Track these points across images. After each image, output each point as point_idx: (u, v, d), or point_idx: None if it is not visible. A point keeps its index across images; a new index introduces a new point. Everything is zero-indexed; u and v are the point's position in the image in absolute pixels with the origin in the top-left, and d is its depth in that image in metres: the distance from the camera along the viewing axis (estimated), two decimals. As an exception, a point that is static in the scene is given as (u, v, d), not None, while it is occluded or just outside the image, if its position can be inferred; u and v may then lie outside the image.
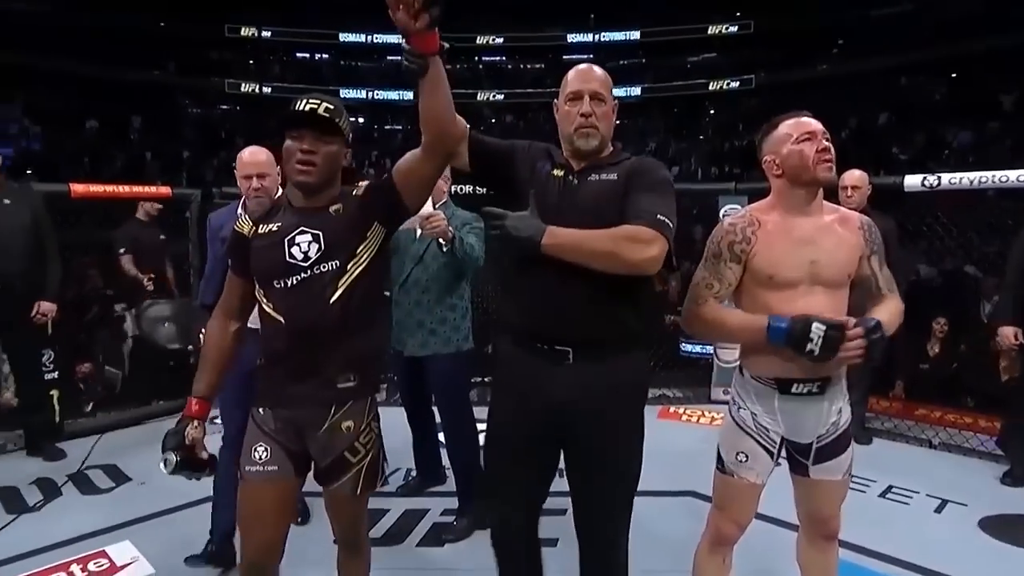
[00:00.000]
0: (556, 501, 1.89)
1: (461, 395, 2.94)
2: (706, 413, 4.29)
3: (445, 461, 3.08)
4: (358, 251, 1.61)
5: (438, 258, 2.71)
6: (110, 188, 4.28)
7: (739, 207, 4.32)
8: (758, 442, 1.75)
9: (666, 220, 1.55)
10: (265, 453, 1.64)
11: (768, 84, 20.91)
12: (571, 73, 1.77)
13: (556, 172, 1.70)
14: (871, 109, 18.03)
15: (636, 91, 21.58)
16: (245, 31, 21.23)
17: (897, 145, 15.81)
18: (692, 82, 21.93)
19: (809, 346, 1.55)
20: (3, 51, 15.46)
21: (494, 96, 22.29)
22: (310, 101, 1.57)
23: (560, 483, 1.81)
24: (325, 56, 22.78)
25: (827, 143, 1.69)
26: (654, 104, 21.68)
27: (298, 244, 1.58)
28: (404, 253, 2.80)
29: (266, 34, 21.54)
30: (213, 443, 1.90)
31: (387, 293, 2.80)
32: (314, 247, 1.58)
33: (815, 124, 1.71)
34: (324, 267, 1.58)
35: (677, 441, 3.79)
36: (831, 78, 19.70)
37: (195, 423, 1.67)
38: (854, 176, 3.58)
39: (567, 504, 1.80)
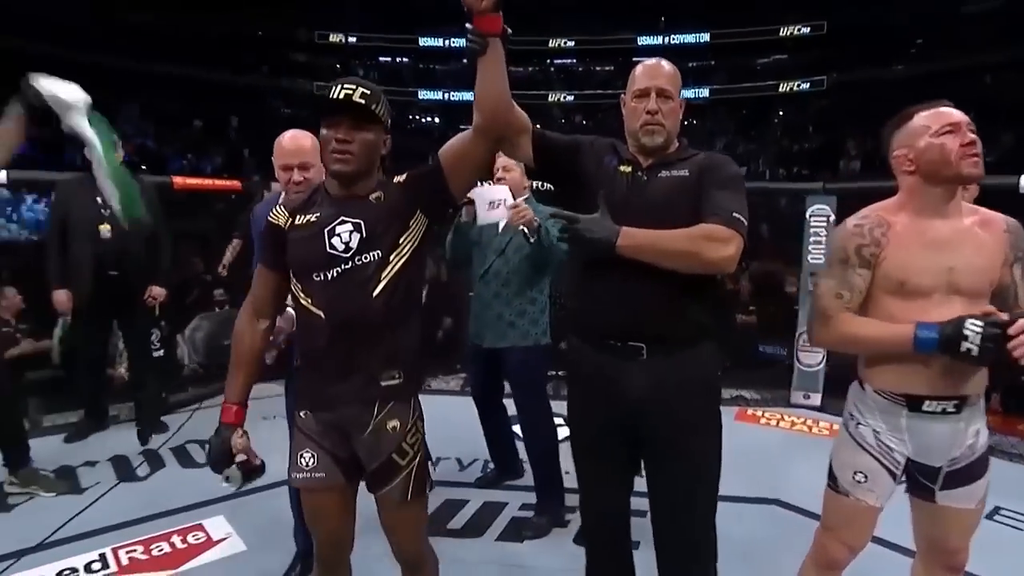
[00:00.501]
0: (636, 502, 1.77)
1: (538, 389, 2.80)
2: (785, 417, 3.99)
3: (522, 454, 2.95)
4: (400, 241, 1.48)
5: (520, 251, 2.59)
6: (199, 181, 4.40)
7: (828, 208, 4.01)
8: (879, 462, 1.53)
9: (741, 218, 1.49)
10: (311, 460, 1.53)
11: (839, 85, 19.78)
12: (639, 68, 1.66)
13: (623, 168, 1.62)
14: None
15: (704, 92, 20.87)
16: (333, 37, 21.74)
17: (983, 146, 14.54)
18: (761, 83, 21.00)
19: (965, 345, 1.32)
20: (124, 58, 16.50)
21: (564, 97, 21.97)
22: (345, 87, 1.43)
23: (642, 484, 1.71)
24: (405, 60, 23.03)
25: (973, 136, 1.45)
26: (722, 105, 20.89)
27: (339, 234, 1.46)
28: (487, 246, 2.69)
29: (352, 40, 21.98)
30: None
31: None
32: (355, 237, 1.46)
33: (958, 115, 1.47)
34: (366, 257, 1.45)
35: (758, 445, 3.54)
36: (908, 78, 18.43)
37: (239, 431, 1.55)
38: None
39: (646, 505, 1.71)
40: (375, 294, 1.45)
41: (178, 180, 4.02)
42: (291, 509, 2.25)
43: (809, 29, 21.14)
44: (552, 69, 23.32)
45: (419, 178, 1.52)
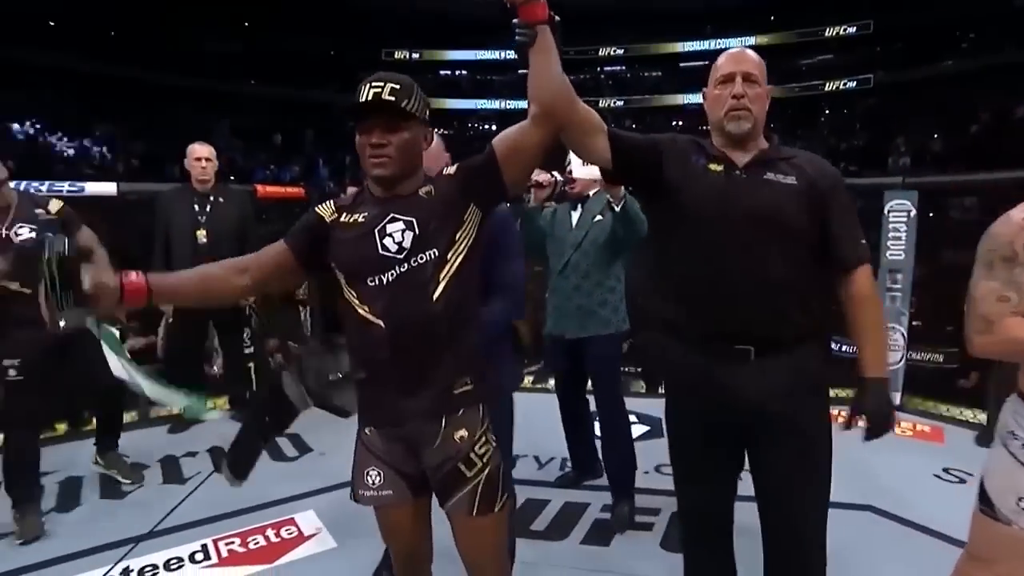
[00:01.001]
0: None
1: (617, 379, 2.65)
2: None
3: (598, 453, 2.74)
4: (457, 237, 1.29)
5: (596, 243, 2.44)
6: (274, 188, 4.37)
7: (908, 203, 3.63)
8: (1049, 487, 1.25)
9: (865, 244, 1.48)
10: (378, 478, 1.36)
11: (887, 83, 18.65)
12: (722, 57, 1.50)
13: (714, 167, 1.45)
14: (1007, 102, 15.50)
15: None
16: (398, 55, 21.93)
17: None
18: (807, 83, 20.00)
19: None
20: (212, 80, 17.17)
21: (615, 103, 21.51)
22: (373, 86, 1.26)
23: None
24: (463, 72, 23.03)
25: None
26: (771, 105, 20.01)
27: (390, 234, 1.28)
28: (563, 241, 2.53)
29: (415, 56, 22.12)
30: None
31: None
32: (408, 236, 1.27)
33: None
34: (422, 258, 1.27)
35: (842, 446, 3.19)
36: (958, 74, 17.19)
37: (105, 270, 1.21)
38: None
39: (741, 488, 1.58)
40: (435, 297, 1.27)
41: (260, 189, 3.99)
42: None
43: (855, 28, 20.03)
44: (602, 76, 22.87)
45: (471, 169, 1.33)
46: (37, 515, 2.47)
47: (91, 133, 15.05)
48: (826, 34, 20.30)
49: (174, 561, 2.29)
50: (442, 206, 1.29)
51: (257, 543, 2.41)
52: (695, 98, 20.33)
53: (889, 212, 3.64)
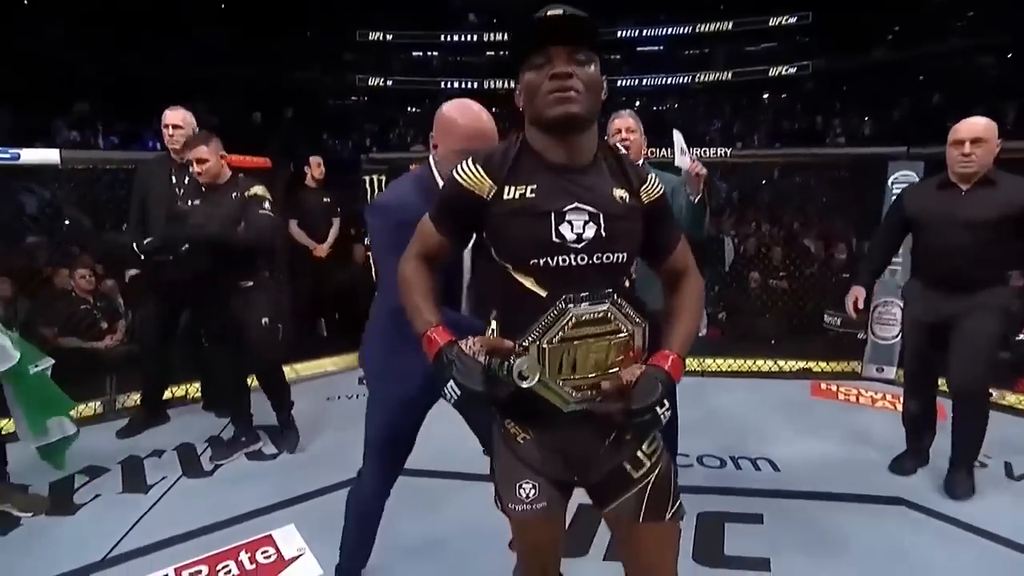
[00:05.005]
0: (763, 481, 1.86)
1: None
2: (864, 392, 3.24)
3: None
4: (636, 253, 1.05)
5: (678, 216, 1.97)
6: (243, 157, 3.69)
7: (913, 175, 3.19)
8: None
9: None
10: (532, 491, 1.08)
11: (824, 70, 18.50)
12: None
13: None
14: (925, 90, 15.49)
15: (701, 78, 19.70)
16: (372, 35, 20.64)
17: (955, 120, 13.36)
18: (753, 68, 19.62)
19: None
20: (191, 67, 15.73)
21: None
22: (551, 9, 0.92)
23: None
24: (434, 53, 21.81)
25: None
26: (719, 91, 19.61)
27: (570, 222, 0.96)
28: None
29: (388, 37, 20.86)
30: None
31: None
32: (591, 229, 0.97)
33: None
34: (608, 258, 0.98)
35: (858, 429, 2.81)
36: (884, 63, 17.16)
37: (465, 340, 0.99)
38: (977, 126, 2.07)
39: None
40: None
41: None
42: (346, 521, 1.65)
43: (795, 19, 19.69)
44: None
45: (661, 210, 1.08)
46: None
47: (67, 112, 13.57)
48: (770, 23, 19.93)
49: (126, 602, 1.72)
50: (628, 207, 1.01)
51: (228, 571, 1.86)
52: (650, 82, 20.03)
53: (893, 184, 3.19)
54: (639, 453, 1.06)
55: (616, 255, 0.98)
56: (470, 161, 1.00)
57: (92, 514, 2.17)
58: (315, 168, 4.24)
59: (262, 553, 1.94)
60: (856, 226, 4.85)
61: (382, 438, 1.53)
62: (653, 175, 1.05)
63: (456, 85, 20.70)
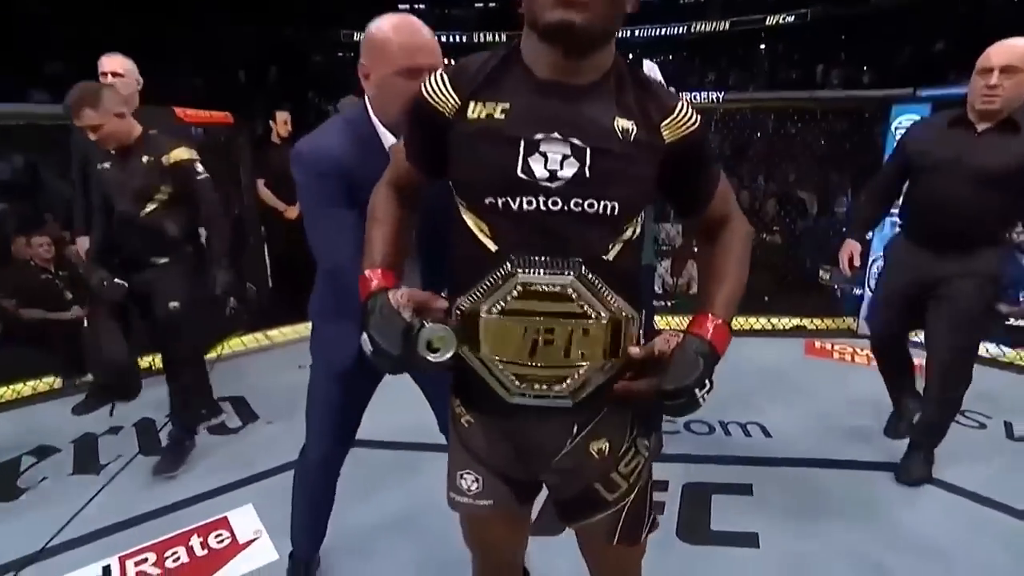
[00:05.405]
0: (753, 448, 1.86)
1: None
2: (860, 351, 3.04)
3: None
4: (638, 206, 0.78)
5: None
6: (202, 112, 3.34)
7: (918, 118, 2.91)
8: None
9: None
10: (475, 484, 0.91)
11: (821, 17, 17.74)
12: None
13: None
14: (930, 37, 14.85)
15: (698, 28, 18.89)
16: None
17: (956, 67, 12.86)
18: (750, 17, 18.80)
19: None
20: (173, 25, 14.86)
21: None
22: None
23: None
24: (422, 6, 20.81)
25: None
26: (715, 41, 18.80)
27: (543, 154, 0.73)
28: None
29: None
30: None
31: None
32: (570, 167, 0.73)
33: None
34: (588, 206, 0.74)
35: (853, 390, 2.63)
36: (883, 11, 16.42)
37: (396, 291, 0.80)
38: (1016, 51, 1.67)
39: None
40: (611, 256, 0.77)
41: (180, 112, 2.97)
42: (293, 500, 1.50)
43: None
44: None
45: (697, 149, 0.80)
46: None
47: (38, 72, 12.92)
48: (768, -29, 18.99)
49: (61, 598, 1.57)
50: (636, 145, 0.75)
51: (177, 559, 1.70)
52: (643, 34, 19.23)
53: (896, 130, 2.92)
54: (614, 474, 0.86)
55: (602, 204, 0.73)
56: (438, 74, 0.79)
57: (35, 499, 2.01)
58: (280, 125, 3.93)
59: (215, 537, 1.78)
60: (855, 178, 4.59)
61: (320, 412, 1.37)
62: (685, 104, 0.78)
63: (444, 39, 19.85)
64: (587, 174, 0.73)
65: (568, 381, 0.78)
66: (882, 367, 2.19)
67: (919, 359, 2.09)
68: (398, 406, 1.60)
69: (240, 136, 3.75)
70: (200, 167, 2.05)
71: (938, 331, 1.85)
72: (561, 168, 0.72)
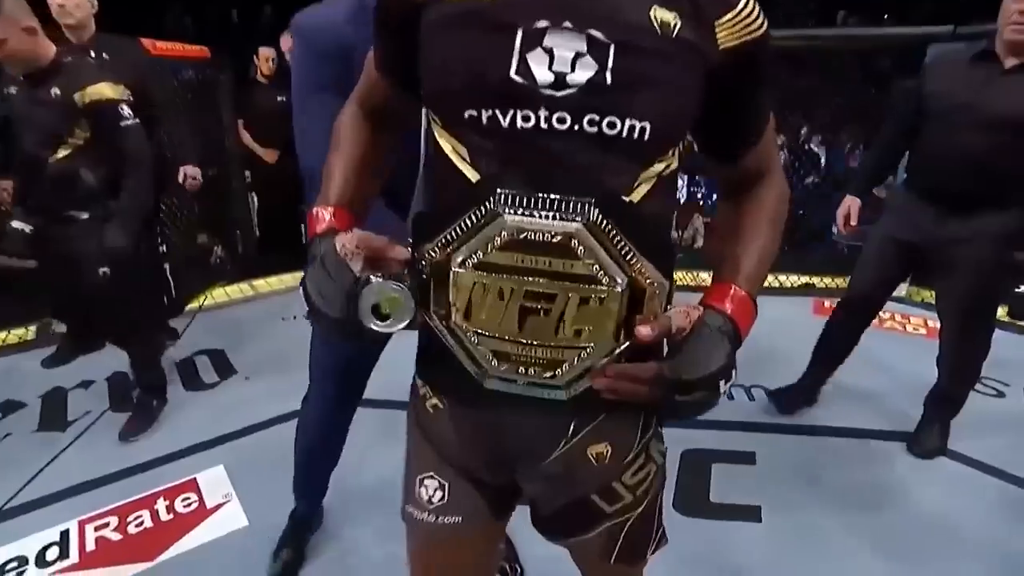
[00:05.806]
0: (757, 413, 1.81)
1: None
2: (871, 311, 2.88)
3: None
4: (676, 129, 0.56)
5: None
6: (175, 45, 3.03)
7: (935, 50, 2.62)
8: None
9: None
10: (438, 493, 0.69)
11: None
12: None
13: None
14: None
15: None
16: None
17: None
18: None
19: None
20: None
21: None
22: None
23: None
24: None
25: None
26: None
27: (549, 50, 0.50)
28: None
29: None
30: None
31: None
32: (586, 68, 0.50)
33: None
34: (607, 125, 0.51)
35: (861, 352, 2.38)
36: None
37: (345, 234, 0.59)
38: None
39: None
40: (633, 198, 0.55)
41: (150, 44, 2.68)
42: (295, 454, 1.36)
43: None
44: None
45: (755, 57, 0.57)
46: None
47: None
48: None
49: (12, 564, 1.45)
50: (676, 47, 0.52)
51: (140, 523, 1.59)
52: None
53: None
54: (617, 484, 0.66)
55: (628, 124, 0.51)
56: None
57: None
58: (263, 62, 3.60)
59: (182, 500, 1.66)
60: (870, 132, 4.29)
61: (321, 359, 1.21)
62: (752, 3, 0.55)
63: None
64: (608, 80, 0.51)
65: (564, 367, 0.57)
66: (831, 332, 1.96)
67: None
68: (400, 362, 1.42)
69: (221, 74, 3.44)
70: (127, 110, 1.70)
71: (951, 302, 1.70)
72: (572, 70, 0.51)
